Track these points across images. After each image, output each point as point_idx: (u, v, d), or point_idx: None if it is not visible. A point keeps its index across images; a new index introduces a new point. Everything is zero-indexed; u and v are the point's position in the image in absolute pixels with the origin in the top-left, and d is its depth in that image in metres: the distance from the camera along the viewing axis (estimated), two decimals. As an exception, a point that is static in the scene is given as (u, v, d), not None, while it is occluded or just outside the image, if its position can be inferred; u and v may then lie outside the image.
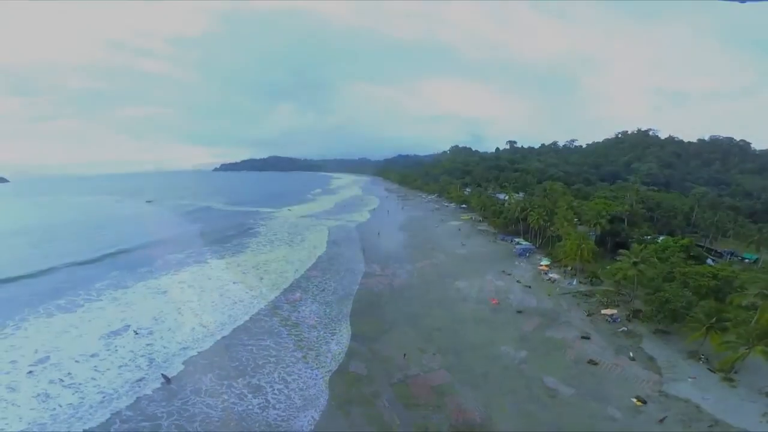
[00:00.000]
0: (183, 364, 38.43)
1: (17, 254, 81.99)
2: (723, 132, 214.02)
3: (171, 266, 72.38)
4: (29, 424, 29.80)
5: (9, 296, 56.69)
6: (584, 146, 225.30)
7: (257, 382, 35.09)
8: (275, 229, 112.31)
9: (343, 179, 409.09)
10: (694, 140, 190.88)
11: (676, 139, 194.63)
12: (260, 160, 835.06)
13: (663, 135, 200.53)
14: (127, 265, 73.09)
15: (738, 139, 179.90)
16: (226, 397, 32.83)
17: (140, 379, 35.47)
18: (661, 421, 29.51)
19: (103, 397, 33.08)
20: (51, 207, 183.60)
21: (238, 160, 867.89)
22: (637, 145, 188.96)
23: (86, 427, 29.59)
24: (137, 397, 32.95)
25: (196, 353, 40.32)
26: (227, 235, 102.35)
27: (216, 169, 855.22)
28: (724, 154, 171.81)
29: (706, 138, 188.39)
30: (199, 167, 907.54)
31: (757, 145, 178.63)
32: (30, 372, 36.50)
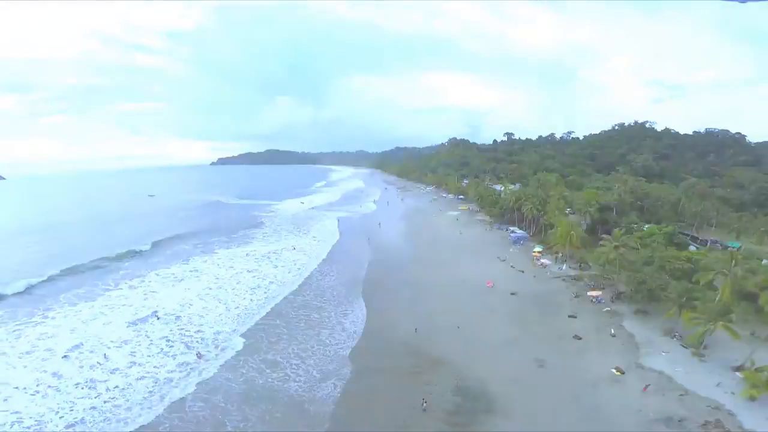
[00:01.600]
0: (242, 339, 41.83)
1: (27, 254, 79.02)
2: (720, 125, 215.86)
3: (199, 256, 75.62)
4: (84, 410, 30.39)
5: (29, 289, 58.05)
6: (581, 138, 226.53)
7: (286, 362, 38.29)
8: (292, 220, 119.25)
9: (342, 172, 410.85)
10: (690, 132, 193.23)
11: (672, 131, 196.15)
12: (258, 153, 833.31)
13: (660, 127, 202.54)
14: (141, 257, 75.75)
15: (734, 132, 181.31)
16: (276, 375, 35.52)
17: (184, 363, 37.08)
18: (645, 389, 32.53)
19: (154, 382, 34.11)
20: (52, 204, 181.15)
21: (236, 154, 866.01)
22: (634, 137, 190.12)
23: (155, 412, 30.41)
24: (197, 383, 34.12)
25: (235, 337, 42.65)
26: (244, 226, 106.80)
27: (213, 164, 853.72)
28: (719, 147, 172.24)
29: (702, 130, 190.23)
30: (197, 162, 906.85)
31: (753, 137, 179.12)
32: (65, 356, 37.92)
